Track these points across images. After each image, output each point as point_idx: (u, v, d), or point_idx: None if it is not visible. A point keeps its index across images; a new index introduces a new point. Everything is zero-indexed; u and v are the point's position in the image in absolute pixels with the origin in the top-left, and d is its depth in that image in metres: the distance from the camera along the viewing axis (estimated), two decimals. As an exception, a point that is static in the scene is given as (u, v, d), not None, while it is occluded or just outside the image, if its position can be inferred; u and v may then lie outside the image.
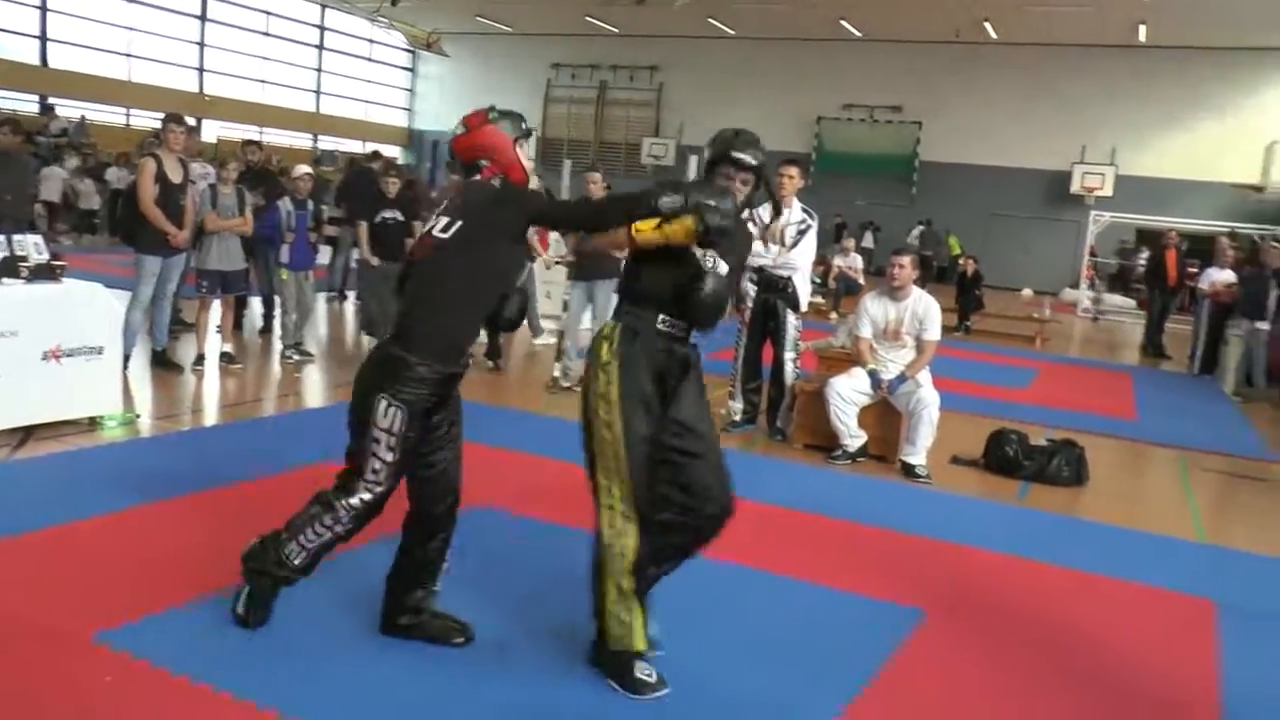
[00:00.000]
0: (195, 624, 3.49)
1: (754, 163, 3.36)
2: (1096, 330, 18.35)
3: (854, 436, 6.62)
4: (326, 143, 29.82)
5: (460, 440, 3.48)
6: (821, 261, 15.43)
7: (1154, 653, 4.02)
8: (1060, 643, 4.05)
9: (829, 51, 26.61)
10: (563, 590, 3.95)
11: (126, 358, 6.99)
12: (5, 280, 5.71)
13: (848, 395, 6.56)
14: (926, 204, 25.72)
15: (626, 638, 3.24)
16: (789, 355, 7.04)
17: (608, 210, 3.44)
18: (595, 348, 3.27)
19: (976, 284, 15.73)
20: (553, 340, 9.40)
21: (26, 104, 22.72)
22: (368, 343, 8.59)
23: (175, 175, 7.53)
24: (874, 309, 6.63)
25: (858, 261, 16.82)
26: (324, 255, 11.03)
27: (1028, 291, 20.71)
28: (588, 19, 26.66)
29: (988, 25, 23.05)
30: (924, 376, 6.50)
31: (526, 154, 3.45)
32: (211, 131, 25.51)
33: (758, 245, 6.57)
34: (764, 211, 6.72)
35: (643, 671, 3.26)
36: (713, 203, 3.09)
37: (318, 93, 30.60)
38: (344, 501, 3.27)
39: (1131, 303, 20.52)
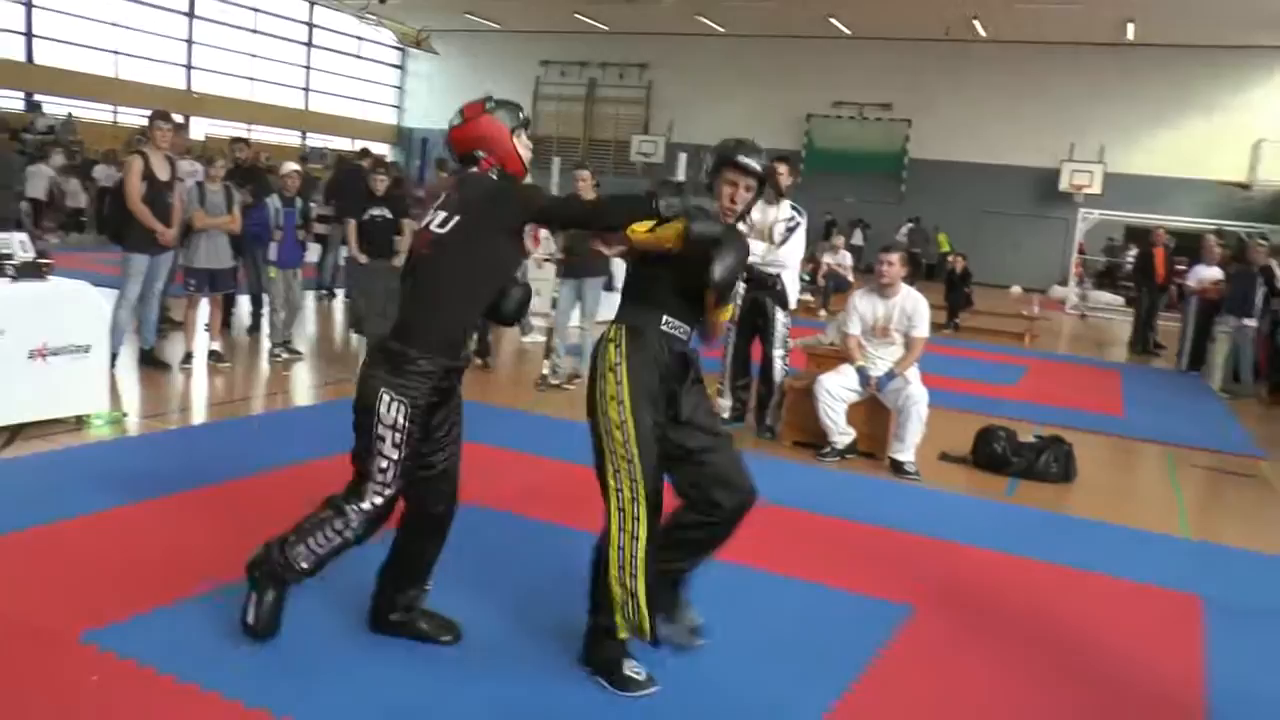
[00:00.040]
0: (183, 623, 3.48)
1: (759, 169, 3.38)
2: (1085, 327, 18.41)
3: (843, 434, 6.64)
4: (315, 140, 29.74)
5: (460, 442, 3.46)
6: (811, 259, 15.47)
7: (1141, 648, 4.04)
8: (1048, 638, 4.06)
9: (818, 49, 26.62)
10: (554, 589, 3.96)
11: (114, 356, 6.96)
12: (-9, 278, 5.69)
13: (836, 392, 6.57)
14: (916, 201, 25.77)
15: (637, 629, 3.24)
16: (778, 353, 7.04)
17: (611, 210, 3.37)
18: (602, 350, 3.28)
19: (965, 281, 15.79)
20: (541, 338, 9.40)
21: (12, 101, 22.63)
22: (356, 341, 8.58)
23: (163, 173, 7.51)
24: (863, 306, 6.65)
25: (847, 259, 16.85)
26: (312, 253, 11.01)
27: (1017, 289, 20.81)
28: (577, 16, 26.65)
29: (977, 23, 23.10)
30: (913, 373, 6.51)
31: (525, 144, 3.39)
32: (200, 129, 25.42)
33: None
34: (754, 210, 6.71)
35: (632, 669, 3.26)
36: (705, 207, 3.12)
37: (306, 90, 30.52)
38: (354, 505, 3.23)
39: (1120, 300, 20.60)
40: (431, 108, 31.40)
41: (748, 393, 7.33)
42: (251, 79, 28.50)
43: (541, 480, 5.65)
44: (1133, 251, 20.41)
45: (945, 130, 25.71)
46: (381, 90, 33.34)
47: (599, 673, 3.29)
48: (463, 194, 3.31)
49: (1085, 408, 9.41)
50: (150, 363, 7.71)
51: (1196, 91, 23.72)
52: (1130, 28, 21.95)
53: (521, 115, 3.41)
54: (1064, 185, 24.63)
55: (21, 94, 22.93)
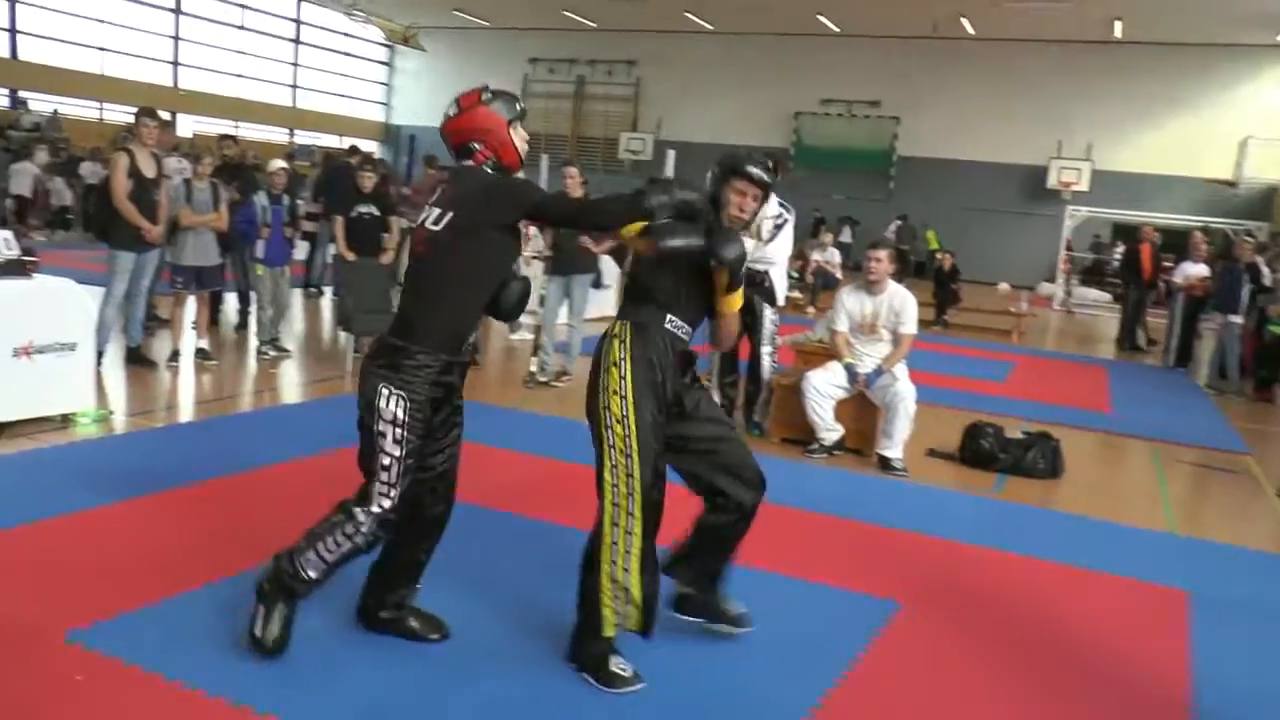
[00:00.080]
0: (169, 622, 3.47)
1: (767, 179, 3.44)
2: (1073, 324, 18.47)
3: (830, 430, 6.65)
4: (303, 137, 29.64)
5: (460, 444, 3.45)
6: (799, 256, 15.48)
7: (1127, 642, 4.06)
8: (1034, 633, 4.08)
9: (807, 46, 26.63)
10: (541, 586, 3.97)
11: (100, 354, 6.93)
12: (-25, 276, 5.66)
13: (824, 389, 6.58)
14: (904, 199, 25.81)
15: (625, 624, 3.29)
16: (766, 349, 7.04)
17: (601, 210, 3.34)
18: (606, 346, 3.32)
19: (953, 278, 15.82)
20: (529, 335, 9.39)
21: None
22: (344, 338, 8.55)
23: (149, 170, 7.47)
24: (850, 303, 6.66)
25: (835, 256, 16.87)
26: (300, 251, 10.97)
27: (1005, 286, 20.85)
28: (565, 13, 26.60)
29: (965, 21, 23.13)
30: (900, 370, 6.53)
31: (521, 136, 3.34)
32: (187, 126, 25.30)
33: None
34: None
35: (618, 666, 3.27)
36: (689, 199, 3.16)
37: (294, 87, 30.41)
38: (363, 509, 3.18)
39: (1107, 297, 20.67)
40: (419, 105, 31.34)
41: (736, 390, 7.34)
42: (239, 76, 28.38)
43: (529, 477, 5.65)
44: (1120, 248, 20.50)
45: (933, 128, 25.75)
46: (369, 87, 33.24)
47: (585, 669, 3.30)
48: (456, 190, 3.27)
49: (1073, 404, 9.44)
50: (137, 361, 7.68)
51: (1184, 89, 23.82)
52: (1118, 25, 22.01)
53: (519, 107, 3.36)
54: (1052, 182, 24.68)
55: (6, 91, 22.79)
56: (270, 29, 29.29)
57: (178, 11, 26.39)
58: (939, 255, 17.02)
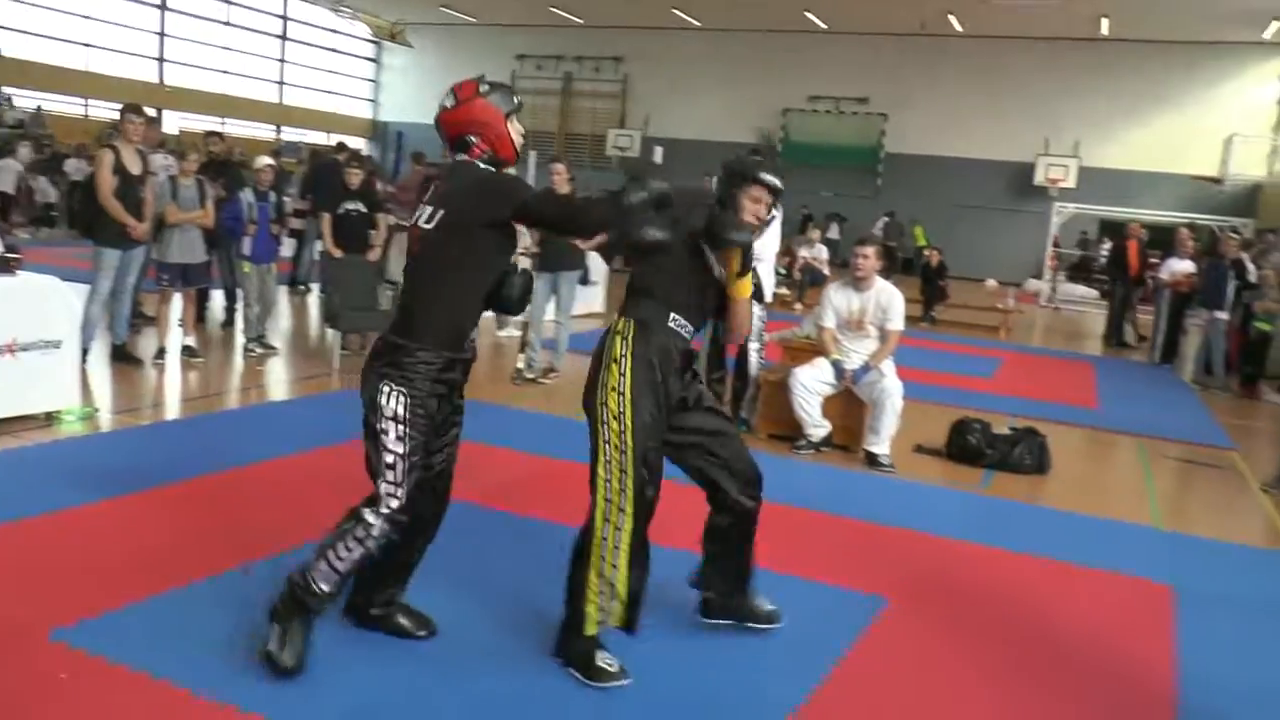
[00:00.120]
0: (154, 620, 3.46)
1: (781, 187, 3.52)
2: (1060, 320, 18.53)
3: (818, 426, 6.66)
4: (290, 134, 29.51)
5: (458, 443, 3.43)
6: (787, 252, 15.49)
7: (1113, 637, 4.07)
8: (1021, 628, 4.09)
9: (795, 43, 26.64)
10: (529, 582, 3.96)
11: (85, 352, 6.90)
12: (-42, 273, 5.63)
13: (811, 385, 6.59)
14: (892, 195, 25.83)
15: (608, 620, 3.30)
16: (753, 345, 7.04)
17: (584, 214, 3.31)
18: (608, 342, 3.33)
19: (941, 274, 15.85)
20: (517, 332, 9.37)
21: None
22: (331, 335, 8.53)
23: (134, 167, 7.44)
24: (838, 299, 6.66)
25: (823, 252, 16.87)
26: (287, 247, 10.93)
27: (992, 282, 20.89)
28: (552, 10, 26.55)
29: (952, 18, 23.18)
30: (887, 366, 6.53)
31: (518, 130, 3.31)
32: (174, 123, 25.17)
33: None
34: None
35: (604, 661, 3.27)
36: (644, 194, 3.13)
37: (281, 84, 30.29)
38: (372, 510, 3.15)
39: (1094, 293, 20.74)
40: (407, 101, 31.26)
41: (723, 386, 7.33)
42: (225, 72, 28.25)
43: (517, 474, 5.64)
44: (1106, 245, 20.56)
45: (921, 124, 25.79)
46: (356, 84, 33.13)
47: (571, 664, 3.30)
48: (447, 187, 3.26)
49: (1060, 400, 9.47)
50: (122, 358, 7.64)
51: (1170, 87, 23.92)
52: (1105, 23, 22.08)
53: (515, 100, 3.32)
54: (1039, 179, 24.75)
55: (-10, 87, 22.65)
56: (257, 25, 29.16)
57: (163, 8, 26.25)
58: (927, 252, 17.05)
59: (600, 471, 3.27)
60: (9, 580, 3.71)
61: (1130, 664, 3.84)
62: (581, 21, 27.66)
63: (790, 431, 6.78)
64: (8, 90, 22.69)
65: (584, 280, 10.18)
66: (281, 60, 30.18)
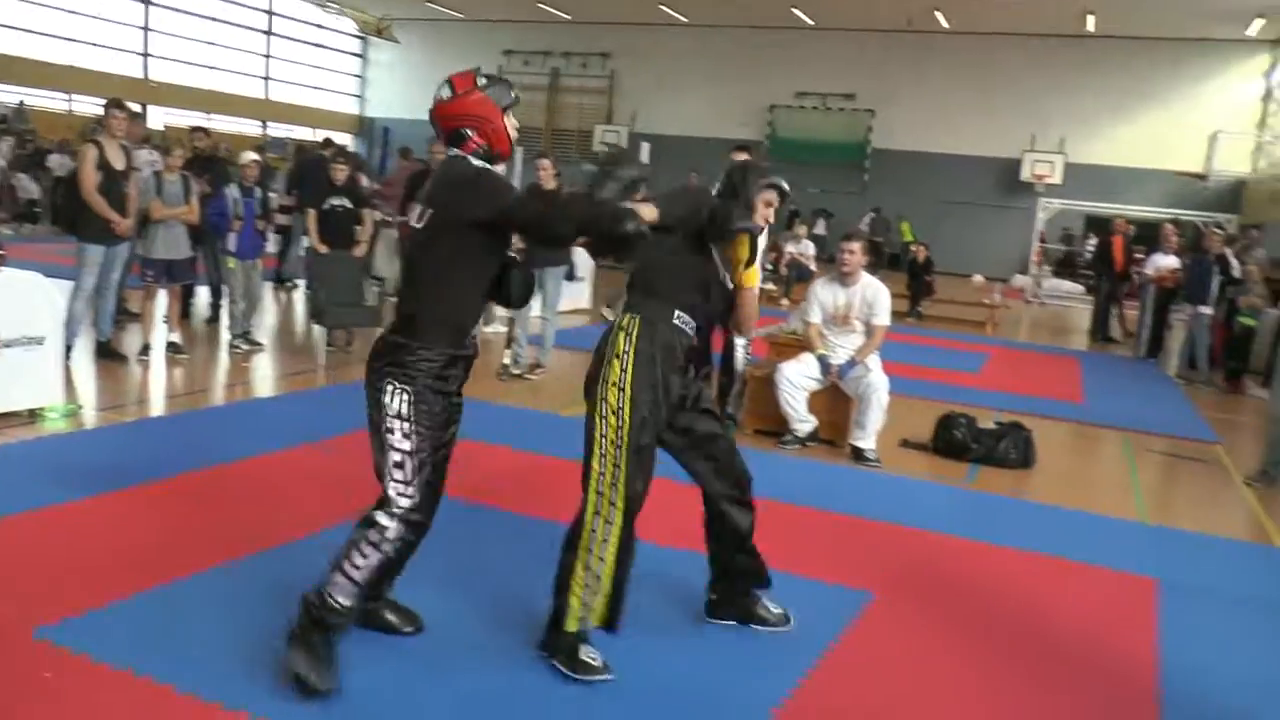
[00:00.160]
0: (138, 618, 3.44)
1: (789, 191, 3.66)
2: (1046, 315, 18.60)
3: (804, 421, 6.67)
4: (276, 130, 29.39)
5: (455, 441, 3.38)
6: (773, 248, 15.50)
7: (1097, 629, 4.10)
8: (1005, 621, 4.11)
9: (782, 39, 26.64)
10: (515, 578, 3.96)
11: (69, 348, 6.86)
12: (-60, 269, 5.59)
13: (797, 380, 6.60)
14: (878, 191, 25.86)
15: (589, 617, 3.31)
16: (740, 341, 7.05)
17: (560, 219, 3.20)
18: (612, 338, 3.35)
19: (927, 270, 15.88)
20: (503, 328, 9.37)
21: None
22: (317, 331, 8.50)
23: (118, 162, 7.40)
24: (824, 294, 6.67)
25: (810, 248, 16.90)
26: (272, 243, 10.90)
27: (978, 278, 20.92)
28: (539, 5, 26.50)
29: (939, 14, 23.22)
30: (874, 361, 6.55)
31: (513, 124, 3.28)
32: (159, 118, 25.04)
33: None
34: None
35: (589, 655, 3.28)
36: (616, 187, 3.15)
37: (266, 79, 30.15)
38: (384, 511, 3.10)
39: (1080, 288, 20.81)
40: (393, 97, 31.15)
41: (709, 382, 7.32)
42: (210, 68, 28.10)
43: (504, 470, 5.63)
44: (1092, 241, 20.63)
45: (908, 120, 25.83)
46: (343, 79, 32.99)
47: (556, 657, 3.30)
48: (436, 185, 3.24)
49: (1045, 394, 9.51)
50: (107, 355, 7.61)
51: (1155, 83, 24.00)
52: (1091, 20, 22.14)
53: (512, 94, 3.28)
54: (1025, 175, 24.81)
55: (-28, 82, 22.50)
56: (242, 20, 29.00)
57: (148, 2, 26.09)
58: (913, 247, 17.08)
59: (594, 465, 3.29)
60: (-8, 578, 3.69)
61: (1114, 656, 3.87)
62: (569, 17, 27.61)
63: (776, 427, 6.79)
64: (-11, 85, 22.56)
65: (570, 276, 10.18)
66: (267, 56, 30.03)
